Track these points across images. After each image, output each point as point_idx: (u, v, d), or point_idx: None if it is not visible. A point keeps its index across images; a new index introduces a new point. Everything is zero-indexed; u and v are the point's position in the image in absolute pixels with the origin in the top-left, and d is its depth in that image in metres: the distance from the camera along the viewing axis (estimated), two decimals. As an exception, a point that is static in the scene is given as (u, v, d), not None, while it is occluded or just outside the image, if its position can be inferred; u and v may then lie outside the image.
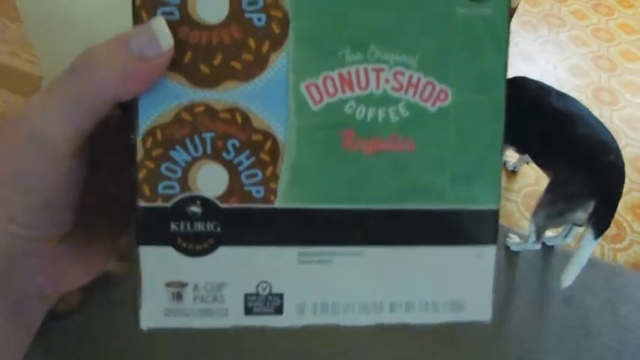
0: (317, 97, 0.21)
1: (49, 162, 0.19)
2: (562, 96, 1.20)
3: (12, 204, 0.19)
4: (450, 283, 0.23)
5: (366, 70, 0.21)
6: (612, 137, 1.12)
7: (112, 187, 0.24)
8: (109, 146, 0.20)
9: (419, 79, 0.22)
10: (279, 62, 0.21)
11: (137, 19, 0.20)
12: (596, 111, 1.84)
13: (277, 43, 0.21)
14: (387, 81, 0.21)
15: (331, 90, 0.21)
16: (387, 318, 0.22)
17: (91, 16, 1.24)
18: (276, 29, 0.21)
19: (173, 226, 0.21)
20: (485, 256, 0.23)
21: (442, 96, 0.22)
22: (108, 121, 0.20)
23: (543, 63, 2.06)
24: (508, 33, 0.22)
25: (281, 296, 0.22)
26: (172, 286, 0.21)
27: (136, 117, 0.20)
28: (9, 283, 0.20)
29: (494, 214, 0.23)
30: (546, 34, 2.21)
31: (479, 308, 0.23)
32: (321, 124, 0.21)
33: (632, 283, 1.23)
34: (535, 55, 2.09)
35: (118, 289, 0.67)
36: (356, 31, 0.21)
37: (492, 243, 0.23)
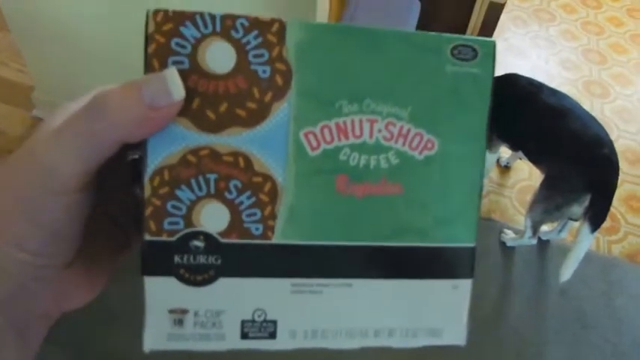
0: (314, 144, 0.23)
1: (58, 196, 0.19)
2: (553, 92, 1.20)
3: (21, 233, 0.20)
4: (429, 312, 0.24)
5: (360, 121, 0.23)
6: (605, 131, 1.13)
7: (112, 207, 0.25)
8: (108, 168, 0.20)
9: (409, 130, 0.23)
10: (281, 111, 0.22)
11: (148, 67, 0.21)
12: (587, 104, 1.86)
13: (280, 93, 0.22)
14: (379, 131, 0.23)
15: (328, 138, 0.23)
16: (371, 342, 0.24)
17: (79, 23, 1.23)
18: (279, 81, 0.22)
19: (177, 259, 0.22)
20: (462, 288, 0.25)
21: (429, 145, 0.23)
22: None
23: (534, 58, 2.07)
24: (492, 89, 0.24)
25: (275, 323, 0.23)
26: (174, 313, 0.23)
27: (144, 157, 0.22)
28: (17, 308, 0.20)
29: (471, 251, 0.24)
30: (537, 28, 2.22)
31: (454, 334, 0.25)
32: (317, 169, 0.23)
33: (628, 275, 1.24)
34: (526, 50, 2.10)
35: (116, 301, 0.67)
36: (353, 84, 0.23)
37: (469, 277, 0.25)
